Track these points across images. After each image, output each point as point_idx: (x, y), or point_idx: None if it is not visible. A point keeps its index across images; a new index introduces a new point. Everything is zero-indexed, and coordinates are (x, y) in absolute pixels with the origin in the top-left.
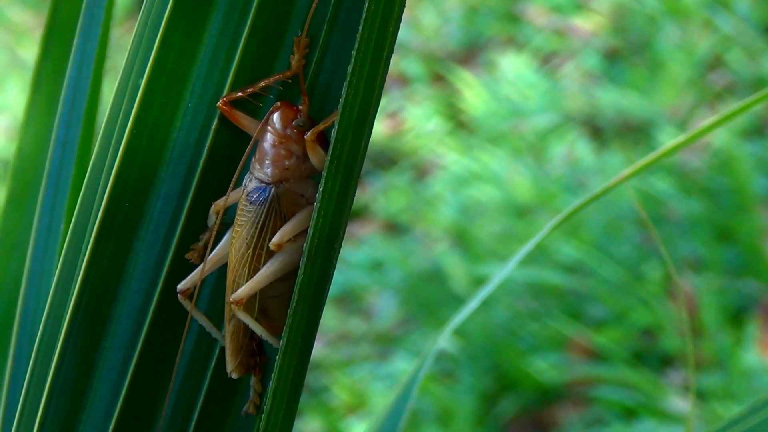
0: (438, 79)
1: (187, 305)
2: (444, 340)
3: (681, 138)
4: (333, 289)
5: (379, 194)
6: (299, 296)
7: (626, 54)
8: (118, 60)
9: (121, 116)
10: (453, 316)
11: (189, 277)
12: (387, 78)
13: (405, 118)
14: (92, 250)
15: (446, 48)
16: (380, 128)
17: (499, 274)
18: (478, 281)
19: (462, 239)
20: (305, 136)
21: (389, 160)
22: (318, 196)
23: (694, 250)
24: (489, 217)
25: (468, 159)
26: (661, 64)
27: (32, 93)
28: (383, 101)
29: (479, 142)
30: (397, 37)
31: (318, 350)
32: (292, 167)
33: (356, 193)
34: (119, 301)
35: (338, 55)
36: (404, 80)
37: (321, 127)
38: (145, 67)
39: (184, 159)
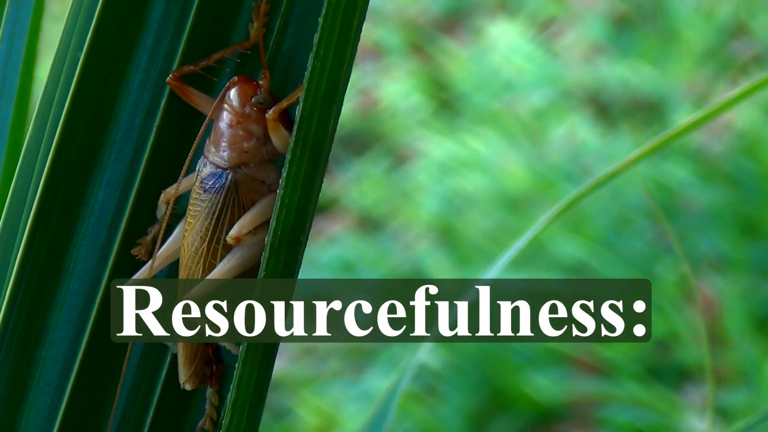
0: (418, 50)
1: None
2: (425, 353)
3: (698, 115)
4: (296, 294)
5: (351, 184)
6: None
7: (635, 21)
8: (53, 32)
9: (57, 95)
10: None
11: (136, 275)
12: (358, 49)
13: (380, 95)
14: (26, 246)
15: (427, 14)
16: (351, 107)
17: (486, 275)
18: (468, 287)
19: (447, 236)
20: (266, 115)
21: (362, 145)
22: (281, 182)
23: (716, 247)
24: (478, 210)
25: (453, 143)
26: (676, 32)
27: None
28: (354, 76)
29: (466, 124)
30: (370, 2)
31: (280, 366)
32: (252, 150)
33: (324, 182)
34: (57, 304)
35: (303, 23)
36: (378, 52)
37: (284, 104)
38: (85, 39)
39: (129, 142)
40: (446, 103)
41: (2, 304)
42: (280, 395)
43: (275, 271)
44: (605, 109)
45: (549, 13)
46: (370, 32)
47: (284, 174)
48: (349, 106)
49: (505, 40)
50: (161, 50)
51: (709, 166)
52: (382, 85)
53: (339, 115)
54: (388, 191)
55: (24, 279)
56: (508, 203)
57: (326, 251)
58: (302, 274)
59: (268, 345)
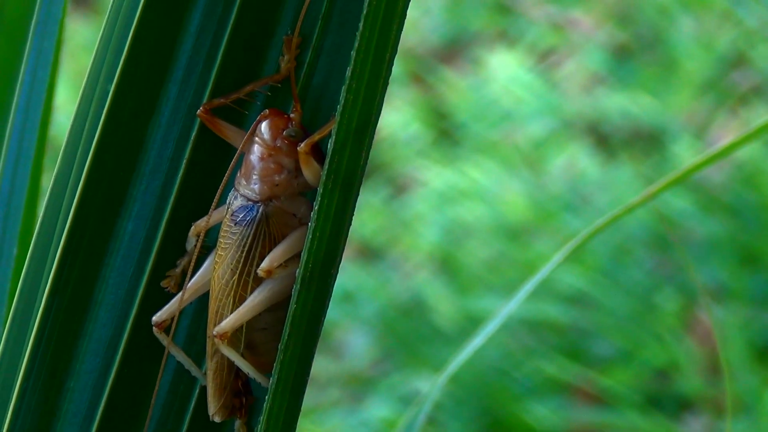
0: (417, 80)
1: (164, 339)
2: (427, 383)
3: (707, 154)
4: None
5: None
6: (292, 328)
7: (635, 51)
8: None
9: (87, 126)
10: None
11: (165, 308)
12: None
13: (379, 125)
14: (55, 277)
15: (426, 44)
16: None
17: (501, 312)
18: (466, 314)
19: (447, 266)
20: (298, 148)
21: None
22: (312, 215)
23: (716, 277)
24: (477, 239)
25: (453, 173)
26: (676, 63)
27: None
28: None
29: (465, 153)
30: None
31: None
32: (283, 183)
33: None
34: (85, 335)
35: (334, 56)
36: None
37: (316, 137)
38: (115, 71)
39: (158, 174)
40: (446, 132)
41: (31, 334)
42: None
43: (306, 304)
44: (605, 139)
45: (548, 43)
46: None
47: (316, 207)
48: None
49: (504, 69)
50: (192, 83)
51: (709, 196)
52: (382, 115)
53: (370, 148)
54: (388, 220)
55: (53, 310)
56: (508, 233)
57: None
58: None
59: (298, 377)
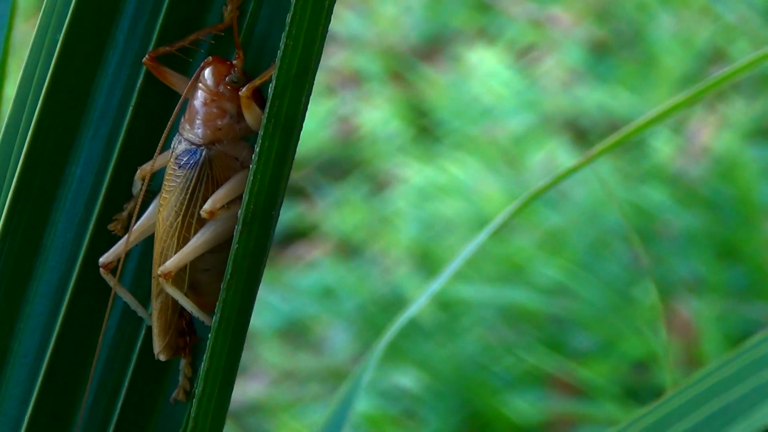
0: (397, 77)
1: (110, 280)
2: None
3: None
4: (276, 320)
5: (330, 210)
6: (234, 268)
7: (614, 47)
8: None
9: (36, 75)
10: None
11: (112, 250)
12: (337, 77)
13: (359, 122)
14: (5, 222)
15: (406, 41)
16: (330, 134)
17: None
18: (446, 308)
19: (426, 261)
20: (240, 93)
21: (342, 171)
22: (254, 158)
23: (693, 270)
24: (457, 235)
25: (432, 169)
26: (654, 58)
27: None
28: (334, 103)
29: (445, 150)
30: (350, 30)
31: (260, 390)
32: (226, 127)
33: (303, 208)
34: (35, 278)
35: (275, 5)
36: (358, 79)
37: (257, 82)
38: (64, 21)
39: (105, 121)
40: (425, 129)
41: None
42: (259, 419)
43: (248, 244)
44: (584, 134)
45: (528, 40)
46: (349, 60)
47: (257, 150)
48: (328, 133)
49: (483, 66)
50: (138, 32)
51: (686, 190)
52: (362, 112)
53: (310, 93)
54: (368, 217)
55: (3, 253)
56: (487, 228)
57: (306, 277)
58: (282, 300)
59: (240, 315)
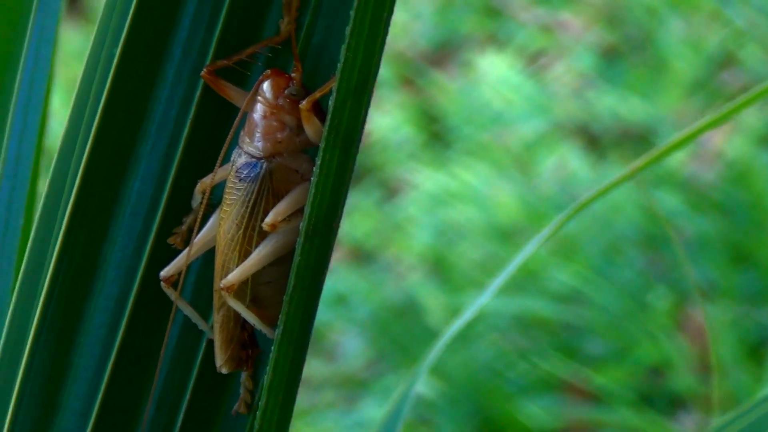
0: (407, 83)
1: (171, 294)
2: (420, 383)
3: (680, 135)
4: None
5: (342, 217)
6: (296, 281)
7: (624, 52)
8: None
9: (93, 90)
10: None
11: (173, 263)
12: None
13: (370, 128)
14: (64, 238)
15: (416, 48)
16: None
17: (478, 301)
18: (459, 315)
19: (439, 267)
20: (300, 106)
21: (353, 177)
22: (315, 170)
23: (707, 275)
24: (469, 241)
25: (444, 175)
26: (665, 63)
27: None
28: None
29: (456, 156)
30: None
31: None
32: (286, 140)
33: None
34: (95, 293)
35: (332, 17)
36: None
37: (317, 94)
38: (120, 35)
39: (164, 134)
40: (436, 135)
41: (41, 292)
42: None
43: (309, 257)
44: (595, 139)
45: (538, 45)
46: None
47: (318, 162)
48: None
49: (494, 72)
50: (195, 45)
51: (699, 195)
52: (373, 118)
53: (369, 105)
54: (380, 223)
55: (62, 268)
56: (499, 234)
57: None
58: None
59: (302, 327)
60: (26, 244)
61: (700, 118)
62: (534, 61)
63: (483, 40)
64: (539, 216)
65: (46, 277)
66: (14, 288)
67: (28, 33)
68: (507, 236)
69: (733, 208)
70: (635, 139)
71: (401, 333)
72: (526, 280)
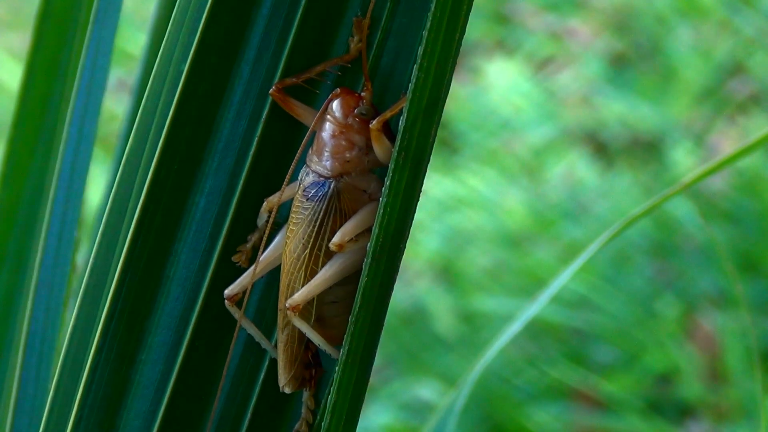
0: None
1: (235, 312)
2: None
3: (708, 165)
4: None
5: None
6: (362, 301)
7: (633, 59)
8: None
9: (160, 106)
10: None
11: (237, 282)
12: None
13: None
14: (127, 253)
15: None
16: None
17: (526, 313)
18: (467, 321)
19: (447, 273)
20: (370, 125)
21: None
22: (384, 190)
23: (716, 284)
24: (478, 247)
25: (452, 181)
26: (674, 71)
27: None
28: None
29: (465, 162)
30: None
31: None
32: (354, 160)
33: None
34: (158, 309)
35: (402, 37)
36: None
37: (388, 114)
38: (189, 51)
39: (231, 152)
40: (445, 141)
41: (104, 308)
42: None
43: (376, 277)
44: (603, 147)
45: (547, 52)
46: None
47: (387, 183)
48: None
49: (503, 79)
50: (264, 63)
51: (708, 203)
52: None
53: (438, 125)
54: None
55: (125, 284)
56: (508, 241)
57: None
58: None
59: (367, 349)
60: (77, 253)
61: (709, 125)
62: (543, 68)
63: (492, 47)
64: (547, 222)
65: (108, 293)
66: (66, 301)
67: (85, 43)
68: (515, 243)
69: (742, 217)
70: (644, 147)
71: (409, 339)
72: (535, 288)
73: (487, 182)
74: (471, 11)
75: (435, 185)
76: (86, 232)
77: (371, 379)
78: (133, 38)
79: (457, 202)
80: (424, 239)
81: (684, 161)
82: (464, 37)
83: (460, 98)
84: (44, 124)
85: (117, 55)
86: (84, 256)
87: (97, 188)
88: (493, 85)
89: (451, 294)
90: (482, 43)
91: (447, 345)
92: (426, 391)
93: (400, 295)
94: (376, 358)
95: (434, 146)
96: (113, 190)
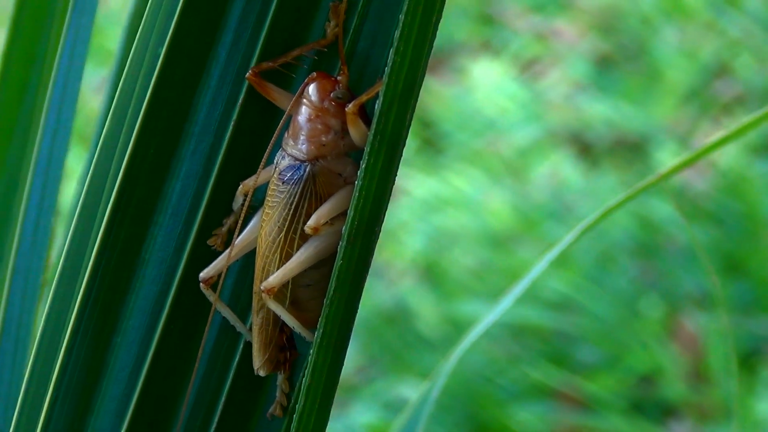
0: None
1: (210, 295)
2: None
3: (683, 157)
4: None
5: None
6: (337, 284)
7: (618, 60)
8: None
9: (137, 89)
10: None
11: (212, 265)
12: None
13: None
14: (103, 236)
15: None
16: None
17: (485, 320)
18: (450, 321)
19: (431, 274)
20: (346, 109)
21: None
22: (360, 173)
23: (699, 284)
24: (462, 248)
25: (436, 181)
26: (659, 72)
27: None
28: None
29: (449, 162)
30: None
31: None
32: (330, 143)
33: None
34: (133, 292)
35: (378, 22)
36: None
37: (364, 98)
38: (166, 35)
39: (207, 135)
40: (429, 141)
41: (79, 291)
42: None
43: (351, 260)
44: (588, 147)
45: (532, 53)
46: None
47: (363, 166)
48: None
49: (488, 79)
50: (240, 47)
51: (692, 204)
52: None
53: (414, 110)
54: None
55: (101, 267)
56: (491, 241)
57: None
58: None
59: (342, 331)
60: (53, 241)
61: (695, 126)
62: (528, 69)
63: (477, 47)
64: (531, 223)
65: (84, 276)
66: (43, 288)
67: (63, 31)
68: (499, 243)
69: (725, 218)
70: (628, 147)
71: (392, 339)
72: (517, 287)
73: (472, 182)
74: (456, 11)
75: (419, 185)
76: (62, 222)
77: (354, 379)
78: (117, 36)
79: (441, 202)
80: (408, 239)
81: (669, 162)
82: (451, 37)
83: (445, 98)
84: (21, 111)
85: (101, 53)
86: (59, 244)
87: (74, 182)
88: (479, 86)
89: (435, 294)
90: (468, 44)
91: (430, 344)
92: (409, 390)
93: (384, 295)
94: (358, 357)
95: (419, 147)
96: (90, 173)
